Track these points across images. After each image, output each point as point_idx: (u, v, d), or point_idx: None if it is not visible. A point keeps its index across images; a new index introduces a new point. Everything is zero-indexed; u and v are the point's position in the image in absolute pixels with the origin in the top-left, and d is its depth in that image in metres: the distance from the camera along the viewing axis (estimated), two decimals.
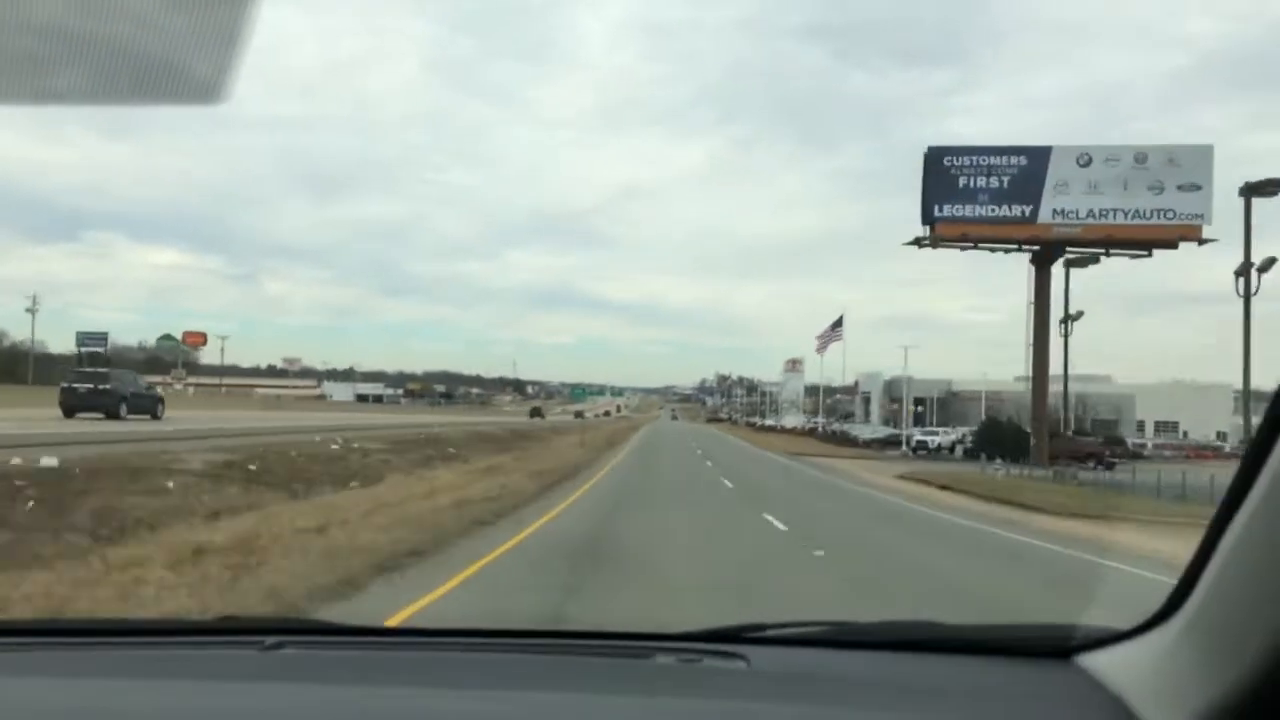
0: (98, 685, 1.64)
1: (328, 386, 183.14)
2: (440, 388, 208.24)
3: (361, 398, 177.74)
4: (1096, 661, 1.66)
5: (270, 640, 1.89)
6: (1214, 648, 1.25)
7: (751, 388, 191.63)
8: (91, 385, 31.83)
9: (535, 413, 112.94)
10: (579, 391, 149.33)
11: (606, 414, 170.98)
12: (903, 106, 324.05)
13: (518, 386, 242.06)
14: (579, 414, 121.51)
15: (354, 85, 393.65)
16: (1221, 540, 1.25)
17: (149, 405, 34.00)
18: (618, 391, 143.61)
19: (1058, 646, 1.79)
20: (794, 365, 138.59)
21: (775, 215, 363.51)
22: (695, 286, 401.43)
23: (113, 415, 30.57)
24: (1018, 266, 48.33)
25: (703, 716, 1.50)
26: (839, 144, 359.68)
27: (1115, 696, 1.49)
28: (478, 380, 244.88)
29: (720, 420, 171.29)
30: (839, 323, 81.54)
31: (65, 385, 32.04)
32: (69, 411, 30.49)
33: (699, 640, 1.95)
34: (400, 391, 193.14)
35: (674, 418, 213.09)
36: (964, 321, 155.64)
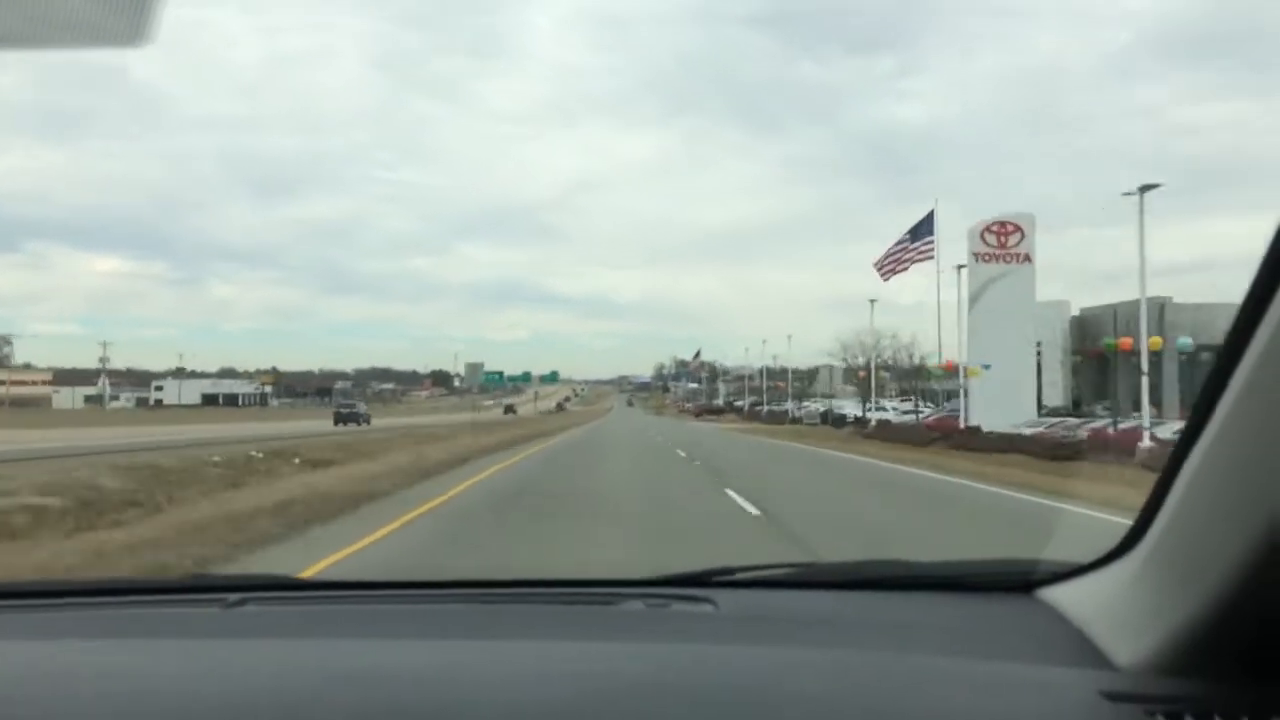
0: (57, 646, 1.62)
1: (169, 385, 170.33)
2: (346, 384, 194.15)
3: (211, 399, 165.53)
4: (1058, 595, 1.71)
5: (234, 597, 1.90)
6: (1175, 578, 1.28)
7: (720, 373, 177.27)
8: None
9: (509, 410, 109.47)
10: (492, 377, 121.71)
11: (560, 406, 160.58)
12: (850, 92, 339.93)
13: (439, 379, 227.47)
14: (509, 409, 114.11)
15: (297, 83, 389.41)
16: (1181, 470, 1.26)
17: None
18: (550, 380, 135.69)
19: (1020, 581, 1.84)
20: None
21: (726, 204, 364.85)
22: (647, 277, 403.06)
23: None
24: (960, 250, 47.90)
25: (671, 659, 1.49)
26: (789, 131, 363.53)
27: (1076, 627, 1.54)
28: (412, 376, 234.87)
29: (717, 411, 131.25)
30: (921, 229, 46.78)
31: None
32: None
33: (666, 585, 1.97)
34: (264, 389, 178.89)
35: (630, 404, 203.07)
36: (919, 302, 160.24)
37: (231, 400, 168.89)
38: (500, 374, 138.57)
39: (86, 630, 1.74)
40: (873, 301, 63.10)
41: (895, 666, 1.45)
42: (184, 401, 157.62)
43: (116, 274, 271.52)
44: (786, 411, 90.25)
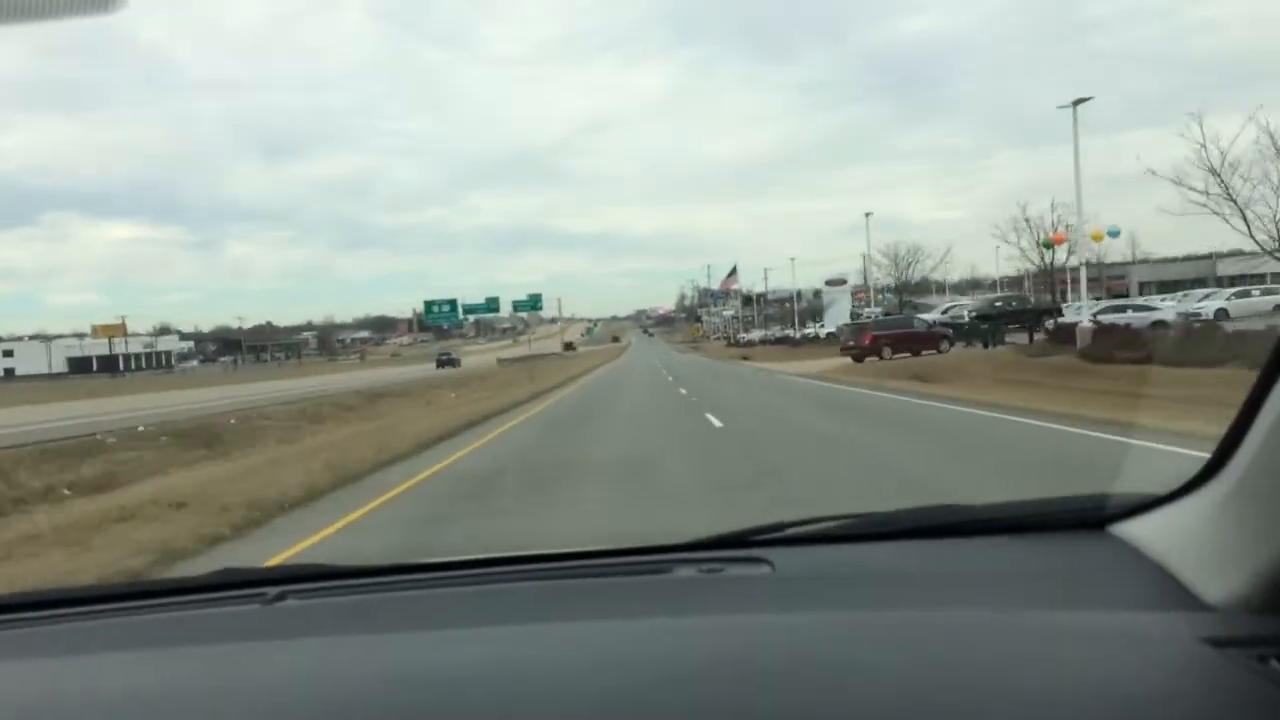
0: (83, 661, 1.53)
1: (20, 350, 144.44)
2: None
3: (81, 363, 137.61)
4: (1133, 530, 1.61)
5: (272, 592, 1.82)
6: (1268, 507, 1.21)
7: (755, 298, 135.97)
8: None
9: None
10: (440, 311, 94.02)
11: (569, 346, 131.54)
12: (859, 8, 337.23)
13: (417, 325, 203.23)
14: (444, 361, 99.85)
15: (300, 39, 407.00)
16: (1272, 392, 1.19)
17: None
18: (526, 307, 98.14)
19: (1090, 518, 1.75)
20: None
21: (738, 135, 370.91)
22: (661, 213, 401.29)
23: None
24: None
25: (736, 632, 1.41)
26: (798, 55, 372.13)
27: (1157, 564, 1.45)
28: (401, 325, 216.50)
29: (791, 342, 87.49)
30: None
31: None
32: None
33: (718, 547, 1.89)
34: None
35: (649, 334, 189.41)
36: (930, 220, 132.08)
37: (111, 365, 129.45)
38: (452, 303, 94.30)
39: (114, 641, 1.66)
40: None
41: (972, 623, 1.35)
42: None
43: (134, 240, 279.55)
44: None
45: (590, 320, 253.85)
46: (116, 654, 1.57)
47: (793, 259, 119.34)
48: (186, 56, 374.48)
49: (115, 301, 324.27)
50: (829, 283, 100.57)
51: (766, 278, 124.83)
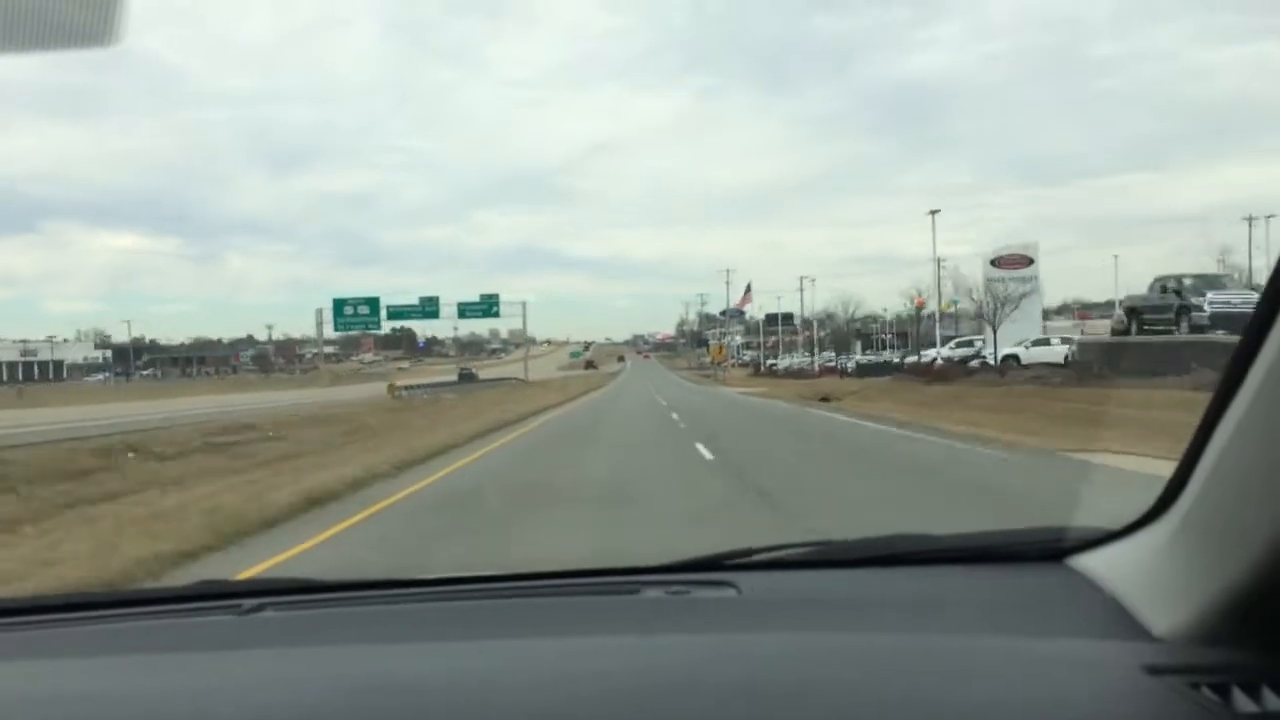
0: (63, 666, 1.55)
1: None
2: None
3: None
4: (1089, 562, 1.65)
5: (249, 603, 1.84)
6: (1214, 542, 1.25)
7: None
8: None
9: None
10: (355, 316, 72.98)
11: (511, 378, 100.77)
12: (865, 45, 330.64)
13: (391, 341, 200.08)
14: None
15: (311, 54, 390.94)
16: (1216, 431, 1.23)
17: None
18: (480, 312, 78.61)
19: (1048, 549, 1.78)
20: None
21: (741, 163, 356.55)
22: (661, 238, 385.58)
23: None
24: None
25: (698, 651, 1.45)
26: (803, 87, 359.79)
27: (1109, 596, 1.49)
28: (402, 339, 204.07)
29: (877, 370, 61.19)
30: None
31: None
32: None
33: (686, 570, 1.93)
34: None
35: (644, 356, 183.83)
36: (925, 256, 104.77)
37: None
38: (371, 303, 76.45)
39: (92, 647, 1.66)
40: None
41: (928, 647, 1.40)
42: None
43: (133, 250, 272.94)
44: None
45: (581, 343, 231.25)
46: (93, 660, 1.57)
47: (813, 280, 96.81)
48: (195, 66, 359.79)
49: (110, 310, 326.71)
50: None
51: (803, 291, 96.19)
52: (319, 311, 78.27)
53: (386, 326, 77.67)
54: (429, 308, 77.54)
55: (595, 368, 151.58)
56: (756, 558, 1.97)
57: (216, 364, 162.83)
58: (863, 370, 59.48)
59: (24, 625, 1.82)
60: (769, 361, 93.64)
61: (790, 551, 2.02)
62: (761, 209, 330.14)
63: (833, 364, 68.07)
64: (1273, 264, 1.11)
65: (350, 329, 74.35)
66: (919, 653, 1.36)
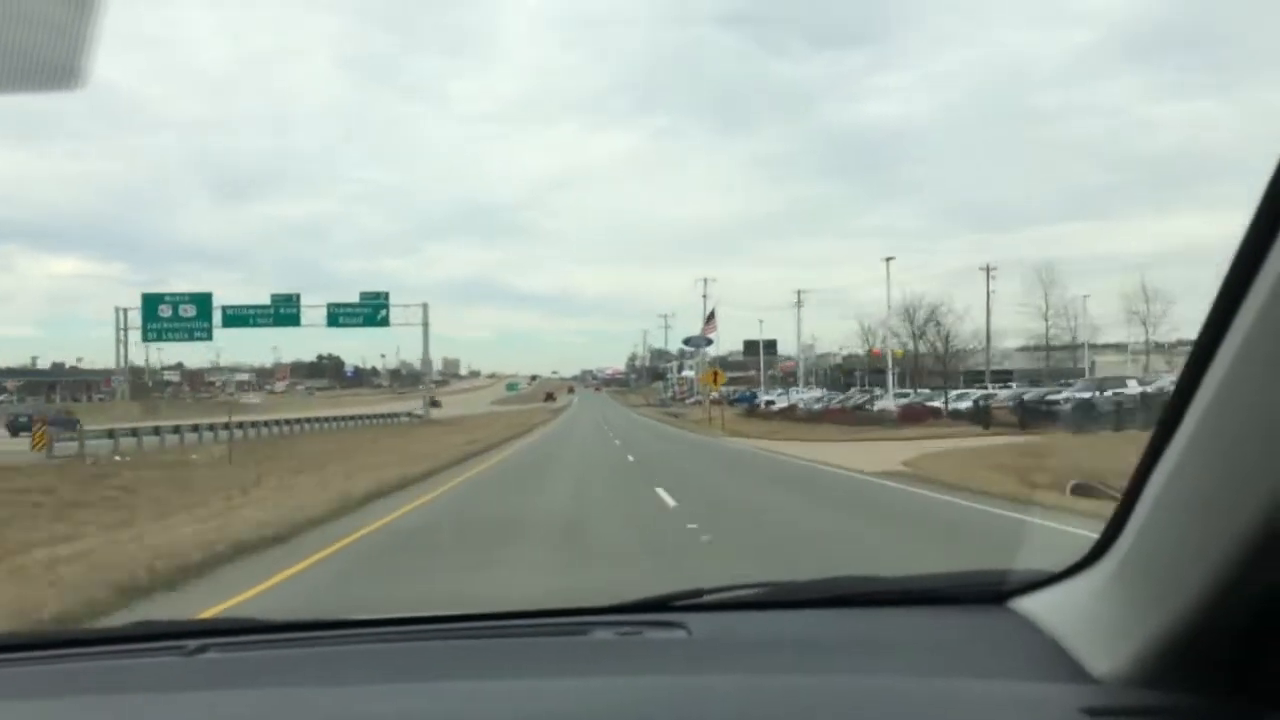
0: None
1: None
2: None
3: None
4: (1029, 605, 1.67)
5: (192, 644, 1.77)
6: (1151, 586, 1.26)
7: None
8: None
9: None
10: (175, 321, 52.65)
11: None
12: (820, 90, 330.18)
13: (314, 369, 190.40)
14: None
15: (266, 83, 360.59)
16: (1153, 475, 1.24)
17: None
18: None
19: (990, 592, 1.80)
20: None
21: (698, 202, 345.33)
22: (614, 275, 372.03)
23: None
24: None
25: (648, 692, 1.47)
26: (760, 129, 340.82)
27: (1049, 638, 1.50)
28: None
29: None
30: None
31: None
32: None
33: (636, 611, 1.92)
34: None
35: (596, 389, 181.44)
36: (875, 297, 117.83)
37: None
38: (200, 302, 58.22)
39: (24, 689, 1.62)
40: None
41: (872, 688, 1.44)
42: None
43: (76, 275, 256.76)
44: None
45: (523, 376, 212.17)
46: (32, 702, 1.54)
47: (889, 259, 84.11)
48: (148, 91, 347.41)
49: (51, 335, 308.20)
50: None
51: (800, 308, 75.36)
52: (121, 313, 54.32)
53: (222, 336, 54.34)
54: (284, 310, 54.04)
55: (554, 399, 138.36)
56: (707, 598, 1.96)
57: (86, 389, 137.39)
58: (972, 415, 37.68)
59: None
60: (763, 399, 71.15)
61: (740, 593, 2.00)
62: (716, 247, 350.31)
63: (928, 407, 43.83)
64: (1207, 311, 1.09)
65: (168, 338, 51.09)
66: (865, 694, 1.40)
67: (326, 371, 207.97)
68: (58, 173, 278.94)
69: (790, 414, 53.28)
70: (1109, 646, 1.31)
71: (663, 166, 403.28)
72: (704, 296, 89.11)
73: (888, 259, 56.35)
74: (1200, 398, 1.09)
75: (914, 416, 39.77)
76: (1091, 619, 1.41)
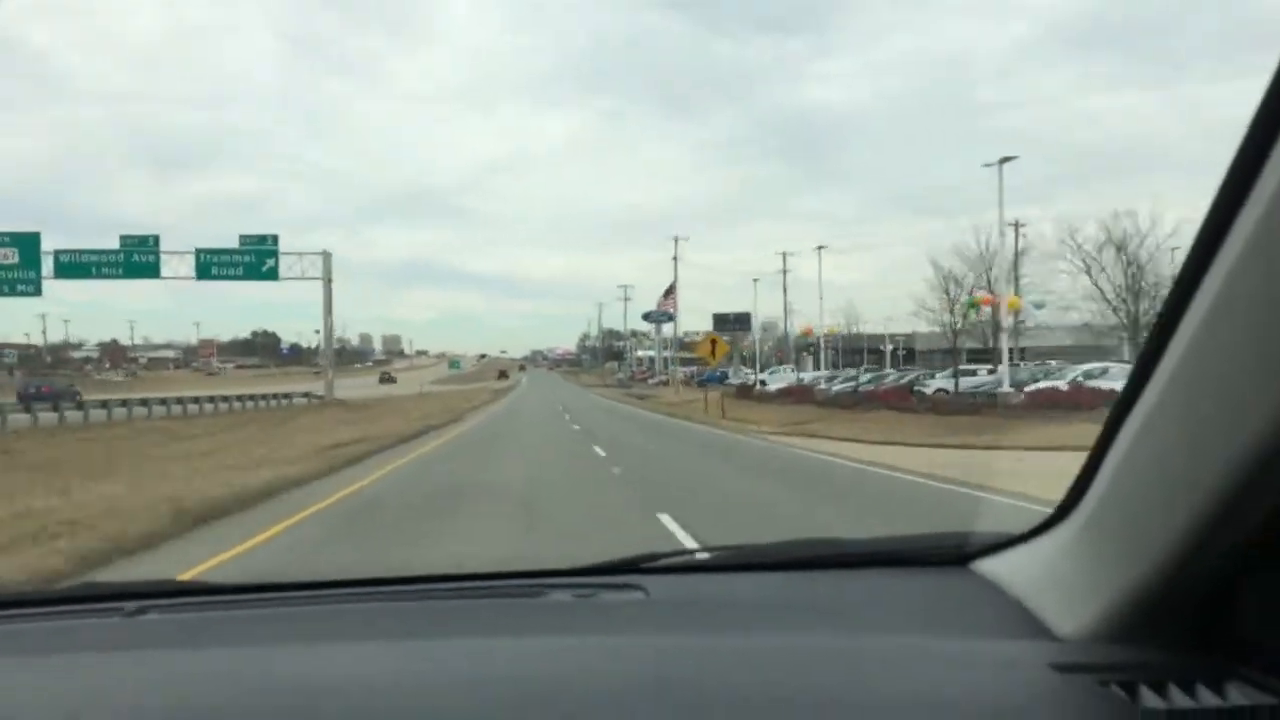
0: None
1: None
2: None
3: None
4: (992, 566, 1.66)
5: (131, 605, 1.75)
6: (1115, 544, 1.26)
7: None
8: None
9: None
10: None
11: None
12: (765, 74, 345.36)
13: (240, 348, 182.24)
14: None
15: (201, 57, 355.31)
16: (1119, 434, 1.24)
17: None
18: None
19: (953, 554, 1.78)
20: None
21: (642, 185, 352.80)
22: (562, 257, 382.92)
23: None
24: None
25: (604, 651, 1.45)
26: (705, 113, 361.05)
27: (1013, 598, 1.50)
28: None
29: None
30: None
31: None
32: None
33: (594, 574, 1.90)
34: None
35: (549, 369, 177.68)
36: (826, 280, 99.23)
37: None
38: (25, 243, 43.63)
39: None
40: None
41: (834, 648, 1.42)
42: None
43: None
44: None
45: (467, 355, 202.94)
46: None
47: (820, 248, 67.89)
48: (78, 63, 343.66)
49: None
50: None
51: (786, 275, 66.14)
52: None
53: (55, 286, 41.90)
54: (138, 257, 41.49)
55: (506, 377, 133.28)
56: (665, 561, 1.94)
57: None
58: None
59: None
60: (757, 378, 59.31)
61: (700, 556, 1.99)
62: (662, 230, 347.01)
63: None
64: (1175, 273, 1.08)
65: None
66: (828, 653, 1.38)
67: (260, 349, 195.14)
68: None
69: (804, 396, 40.97)
70: (1074, 606, 1.31)
71: (610, 151, 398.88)
72: (674, 259, 78.39)
73: (819, 247, 61.37)
74: (1167, 359, 1.10)
75: (1054, 401, 25.71)
76: (1057, 578, 1.40)
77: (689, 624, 1.58)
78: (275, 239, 43.76)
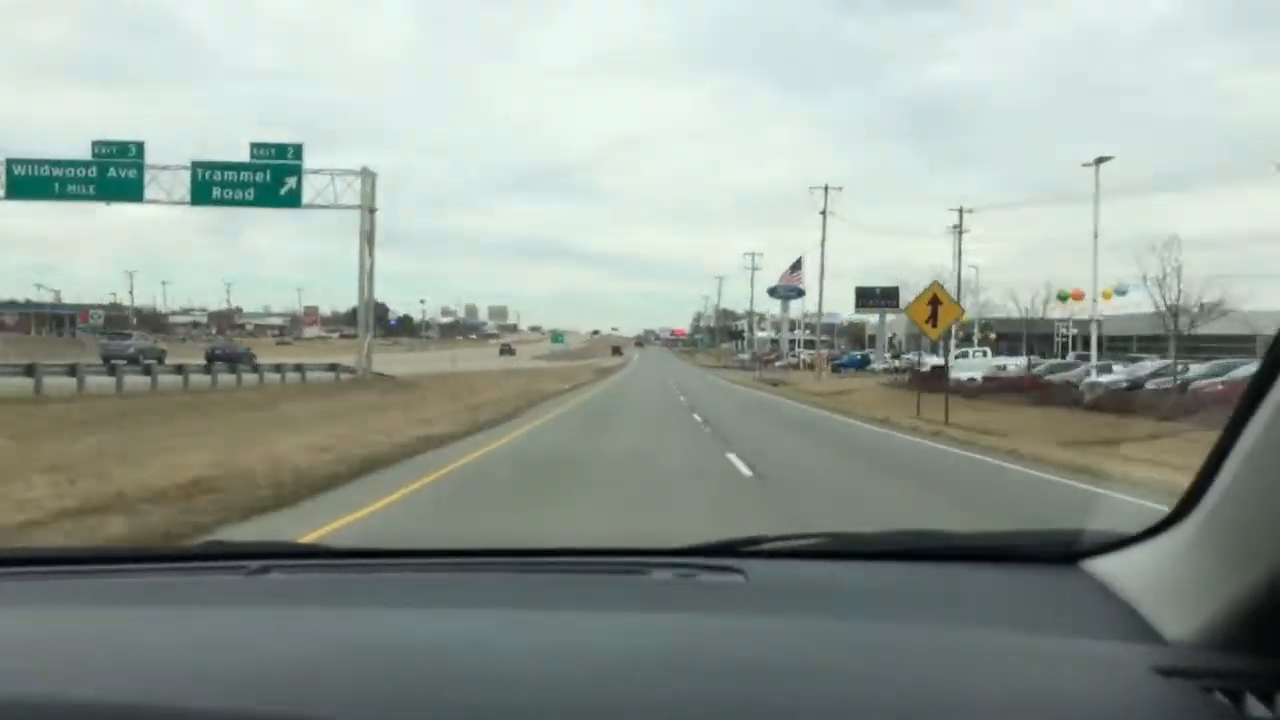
0: (73, 613, 1.61)
1: None
2: None
3: None
4: (1102, 566, 1.65)
5: (254, 565, 1.87)
6: (1231, 549, 1.25)
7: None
8: None
9: None
10: None
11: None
12: (891, 54, 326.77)
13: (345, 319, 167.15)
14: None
15: (342, 35, 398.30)
16: (1239, 439, 1.23)
17: None
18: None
19: (1063, 552, 1.77)
20: None
21: (761, 164, 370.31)
22: (676, 236, 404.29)
23: None
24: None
25: (701, 631, 1.47)
26: (829, 92, 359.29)
27: (1122, 599, 1.49)
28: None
29: None
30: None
31: None
32: None
33: (695, 555, 1.93)
34: None
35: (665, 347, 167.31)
36: (946, 266, 76.74)
37: None
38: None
39: (104, 597, 1.72)
40: None
41: (934, 640, 1.40)
42: None
43: (159, 220, 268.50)
44: None
45: (585, 333, 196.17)
46: (99, 609, 1.62)
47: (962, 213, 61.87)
48: (224, 40, 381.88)
49: (142, 275, 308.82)
50: None
51: (961, 234, 54.27)
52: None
53: (11, 208, 32.49)
54: (116, 171, 31.60)
55: (620, 354, 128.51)
56: (767, 546, 1.94)
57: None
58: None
59: (50, 575, 1.90)
60: (928, 363, 44.61)
61: (802, 542, 1.99)
62: (781, 211, 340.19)
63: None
64: None
65: None
66: (928, 644, 1.36)
67: (351, 320, 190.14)
68: (139, 118, 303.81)
69: (1045, 393, 27.23)
70: (1183, 610, 1.29)
71: (732, 129, 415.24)
72: (821, 212, 65.01)
73: (956, 226, 58.06)
74: None
75: None
76: (1168, 581, 1.39)
77: (788, 609, 1.58)
78: (299, 150, 33.96)
